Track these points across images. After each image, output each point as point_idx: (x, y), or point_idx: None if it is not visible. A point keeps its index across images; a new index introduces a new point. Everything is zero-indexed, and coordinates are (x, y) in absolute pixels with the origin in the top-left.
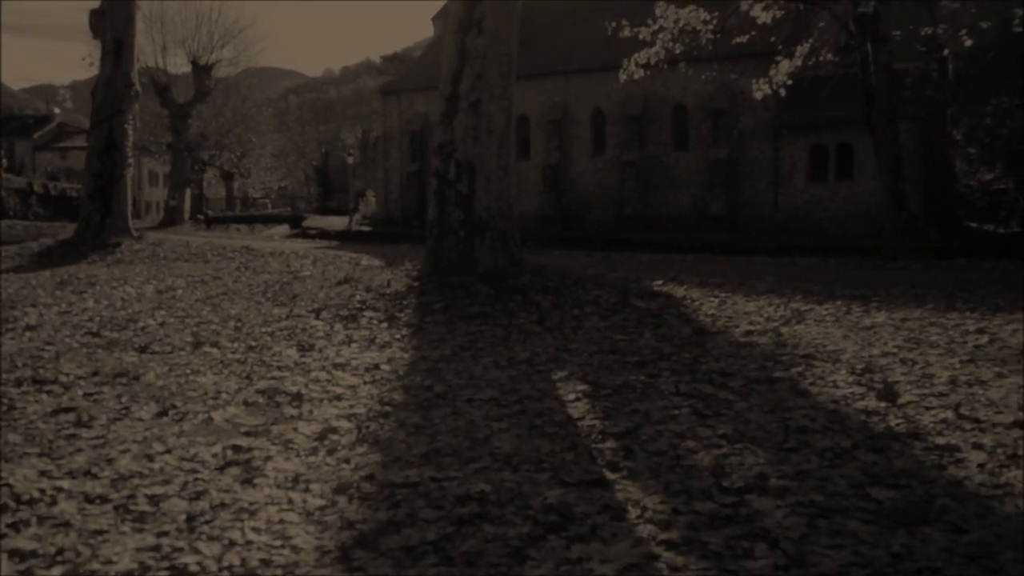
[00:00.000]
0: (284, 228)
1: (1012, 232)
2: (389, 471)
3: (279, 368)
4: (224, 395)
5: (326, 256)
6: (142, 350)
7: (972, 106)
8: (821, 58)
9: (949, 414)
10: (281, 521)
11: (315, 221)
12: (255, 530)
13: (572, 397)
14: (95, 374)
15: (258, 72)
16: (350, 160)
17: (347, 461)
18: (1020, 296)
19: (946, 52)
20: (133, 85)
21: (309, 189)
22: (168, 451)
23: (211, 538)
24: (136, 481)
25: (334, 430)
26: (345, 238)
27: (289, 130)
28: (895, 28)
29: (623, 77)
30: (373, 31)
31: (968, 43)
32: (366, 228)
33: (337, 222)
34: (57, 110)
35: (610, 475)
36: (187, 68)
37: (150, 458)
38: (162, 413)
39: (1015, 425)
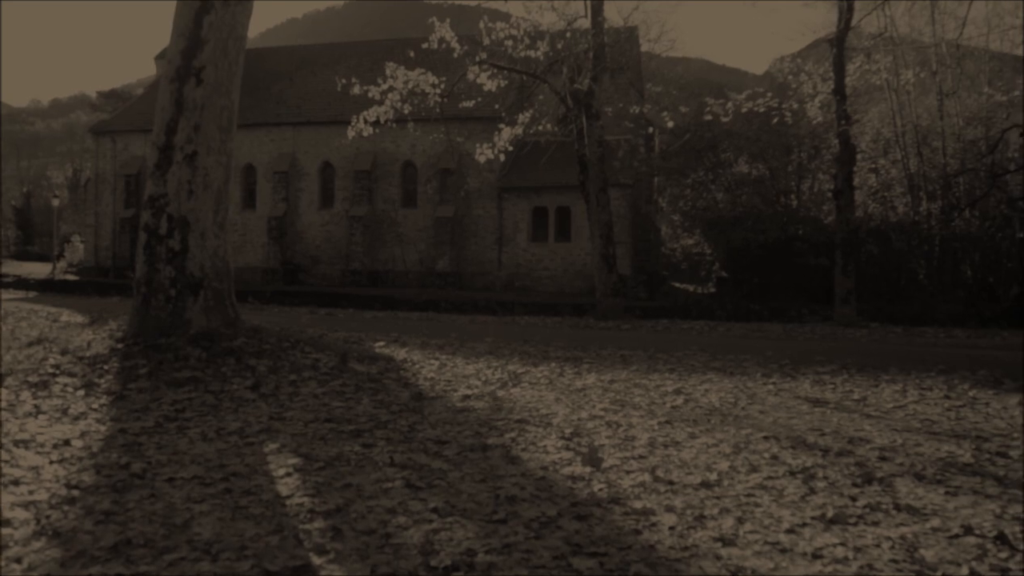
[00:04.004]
0: None
1: (709, 293)
2: (68, 570)
3: None
4: None
5: (20, 310)
6: None
7: (675, 178)
8: (541, 127)
9: (647, 477)
10: None
11: (12, 267)
12: None
13: (283, 472)
14: None
15: None
16: (56, 202)
17: (18, 560)
18: (712, 357)
19: (651, 129)
20: None
21: (7, 232)
22: None
23: None
24: None
25: (7, 523)
26: (47, 288)
27: None
28: (607, 105)
29: (351, 133)
30: (90, 63)
31: (670, 123)
32: (72, 277)
33: (39, 269)
34: None
35: (316, 559)
36: None
37: None
38: None
39: (702, 486)
